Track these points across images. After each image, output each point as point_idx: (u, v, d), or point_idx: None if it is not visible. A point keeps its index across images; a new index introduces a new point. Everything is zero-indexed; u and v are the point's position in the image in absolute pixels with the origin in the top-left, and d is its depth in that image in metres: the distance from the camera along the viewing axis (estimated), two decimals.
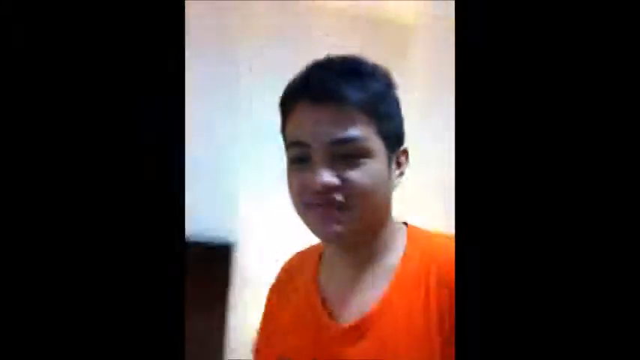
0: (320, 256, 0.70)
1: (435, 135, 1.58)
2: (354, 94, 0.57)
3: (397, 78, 0.64)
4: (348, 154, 0.57)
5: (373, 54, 0.64)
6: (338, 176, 0.57)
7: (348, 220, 0.58)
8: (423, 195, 1.60)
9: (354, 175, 0.57)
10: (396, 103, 0.63)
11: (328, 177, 0.56)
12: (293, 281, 0.72)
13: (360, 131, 0.57)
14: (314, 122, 0.58)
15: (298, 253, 0.77)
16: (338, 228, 0.58)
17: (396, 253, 0.63)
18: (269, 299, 0.76)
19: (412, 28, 2.02)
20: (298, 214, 0.61)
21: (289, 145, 0.61)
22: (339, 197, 0.57)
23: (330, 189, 0.57)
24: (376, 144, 0.59)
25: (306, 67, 0.62)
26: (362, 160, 0.57)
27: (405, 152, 0.64)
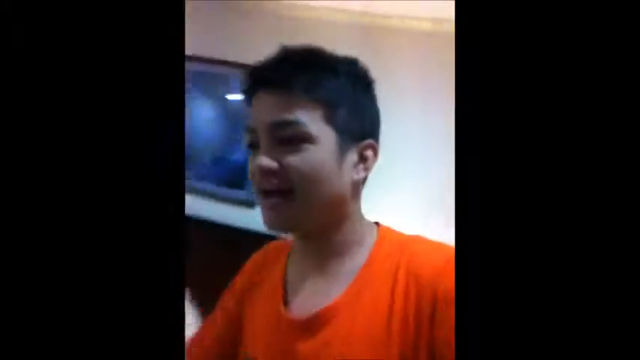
0: (291, 249, 0.70)
1: None
2: (300, 81, 0.57)
3: None
4: (288, 138, 0.57)
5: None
6: (277, 160, 0.57)
7: (288, 208, 0.57)
8: None
9: (292, 159, 0.56)
10: (363, 97, 0.62)
11: (266, 160, 0.56)
12: (264, 272, 0.71)
13: (301, 116, 0.56)
14: (260, 108, 0.59)
15: (273, 244, 0.77)
16: (276, 214, 0.58)
17: (364, 249, 0.62)
18: (232, 290, 0.75)
19: None
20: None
21: (245, 131, 0.61)
22: (276, 181, 0.57)
23: (267, 172, 0.57)
24: (323, 131, 0.57)
25: (263, 58, 0.62)
26: (303, 146, 0.56)
27: (372, 146, 0.62)
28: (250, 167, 0.60)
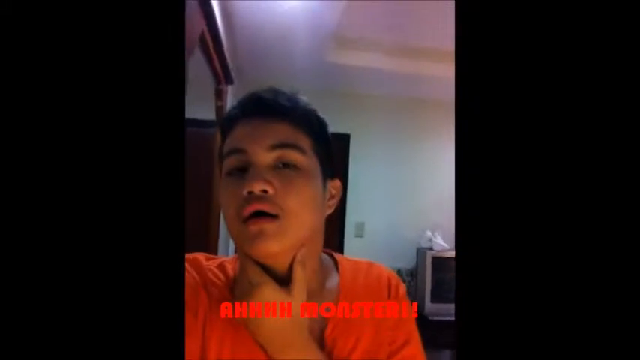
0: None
1: None
2: (295, 111, 0.59)
3: None
4: (285, 163, 0.57)
5: None
6: (270, 184, 0.55)
7: (274, 233, 0.54)
8: None
9: (286, 184, 0.55)
10: (328, 136, 0.64)
11: (262, 183, 0.54)
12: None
13: (300, 142, 0.58)
14: (255, 131, 0.58)
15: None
16: (264, 240, 0.54)
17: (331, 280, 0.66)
18: None
19: None
20: (231, 230, 0.57)
21: (226, 154, 0.59)
22: (266, 205, 0.54)
23: (260, 197, 0.54)
24: (312, 161, 0.59)
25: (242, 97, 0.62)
26: (297, 172, 0.57)
27: (339, 185, 0.65)
28: (230, 190, 0.57)
